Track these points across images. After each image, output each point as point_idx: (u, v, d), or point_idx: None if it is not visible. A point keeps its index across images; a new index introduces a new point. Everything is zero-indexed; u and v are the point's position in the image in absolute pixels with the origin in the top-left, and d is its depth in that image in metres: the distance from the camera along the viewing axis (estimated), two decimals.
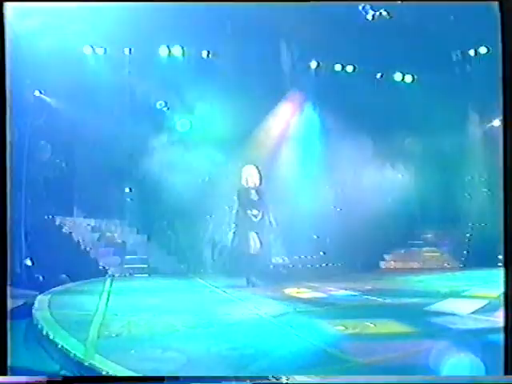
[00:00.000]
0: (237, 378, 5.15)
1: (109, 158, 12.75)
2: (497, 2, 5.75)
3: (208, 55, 13.54)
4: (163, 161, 12.70)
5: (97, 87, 12.69)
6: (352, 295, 10.07)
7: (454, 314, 8.09)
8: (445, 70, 13.90)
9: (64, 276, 10.95)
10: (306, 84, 13.97)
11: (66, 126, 12.62)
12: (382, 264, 13.58)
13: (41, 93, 12.71)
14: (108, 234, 13.15)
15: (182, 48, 13.37)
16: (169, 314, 7.96)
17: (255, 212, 11.65)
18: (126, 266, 12.71)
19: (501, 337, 6.09)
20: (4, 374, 5.17)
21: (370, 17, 12.58)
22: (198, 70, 13.24)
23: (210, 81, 12.97)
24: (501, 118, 13.07)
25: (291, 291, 10.37)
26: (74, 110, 12.64)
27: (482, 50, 13.92)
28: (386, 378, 5.34)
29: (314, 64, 14.19)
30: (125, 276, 12.48)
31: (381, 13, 12.67)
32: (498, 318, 7.00)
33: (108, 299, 9.18)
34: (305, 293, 10.33)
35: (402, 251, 13.89)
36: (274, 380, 5.14)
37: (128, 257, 12.88)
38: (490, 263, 12.38)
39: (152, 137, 12.94)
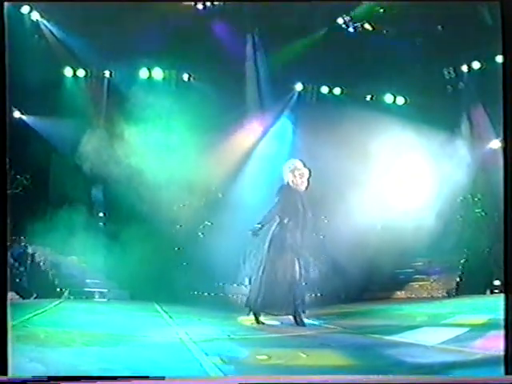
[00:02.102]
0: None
1: (81, 181, 11.52)
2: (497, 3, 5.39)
3: (189, 78, 12.05)
4: (136, 185, 11.26)
5: (76, 108, 11.75)
6: (310, 324, 8.38)
7: (418, 345, 6.54)
8: (437, 88, 12.31)
9: (13, 293, 9.60)
10: (291, 107, 12.28)
11: (41, 146, 11.52)
12: (367, 294, 11.36)
13: (21, 113, 11.66)
14: (72, 256, 11.61)
15: (163, 71, 12.07)
16: (81, 330, 7.01)
17: (296, 224, 8.12)
18: (85, 289, 11.29)
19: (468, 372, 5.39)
20: (4, 373, 4.94)
21: (351, 29, 10.78)
22: (178, 93, 12.00)
23: (190, 103, 11.61)
24: (500, 138, 11.49)
25: (244, 319, 8.66)
26: (51, 130, 11.57)
27: (475, 65, 12.14)
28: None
29: (299, 86, 12.14)
30: (80, 299, 11.02)
31: (362, 25, 10.90)
32: (473, 349, 6.09)
33: (36, 314, 8.12)
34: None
35: (390, 280, 11.62)
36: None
37: (89, 280, 11.44)
38: (484, 290, 11.22)
39: (127, 159, 11.44)
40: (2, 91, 5.10)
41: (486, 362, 5.74)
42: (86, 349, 6.07)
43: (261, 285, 8.19)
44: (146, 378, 4.77)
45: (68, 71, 12.08)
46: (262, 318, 8.30)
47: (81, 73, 12.11)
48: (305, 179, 8.30)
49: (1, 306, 5.14)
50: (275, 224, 8.20)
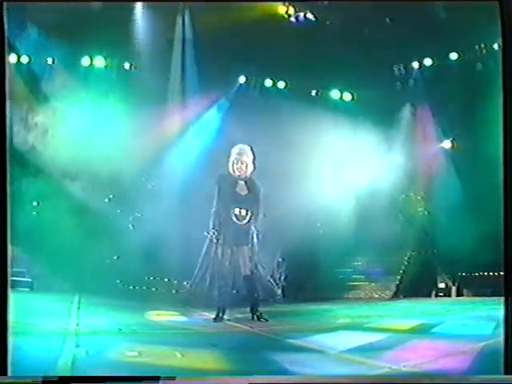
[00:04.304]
0: None
1: (16, 169, 9.76)
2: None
3: (131, 67, 10.81)
4: (69, 175, 10.05)
5: (17, 95, 9.95)
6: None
7: (318, 352, 5.43)
8: (386, 85, 10.83)
9: None
10: (228, 97, 10.79)
11: None
12: (302, 294, 9.99)
13: None
14: None
15: (105, 59, 10.73)
16: None
17: (241, 212, 7.20)
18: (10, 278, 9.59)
19: None
20: (4, 373, 4.56)
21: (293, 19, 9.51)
22: (118, 81, 10.61)
23: (129, 92, 10.31)
24: (451, 139, 10.34)
25: (152, 313, 7.80)
26: None
27: (427, 61, 10.86)
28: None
29: (242, 79, 10.90)
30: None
31: (305, 15, 9.60)
32: (378, 361, 4.94)
33: None
34: (166, 315, 7.82)
35: (328, 280, 10.24)
36: None
37: (15, 269, 9.62)
38: (428, 293, 10.29)
39: (62, 148, 10.02)
40: (2, 91, 4.64)
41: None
42: None
43: (212, 281, 7.24)
44: (158, 378, 4.37)
45: (12, 57, 10.76)
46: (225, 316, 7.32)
47: (24, 59, 10.82)
48: (244, 165, 7.32)
49: (1, 304, 4.88)
50: (219, 216, 7.26)
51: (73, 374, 4.51)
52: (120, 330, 6.22)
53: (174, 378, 4.35)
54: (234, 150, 7.37)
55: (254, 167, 7.38)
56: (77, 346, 5.22)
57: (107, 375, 4.40)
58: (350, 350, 5.37)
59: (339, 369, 4.75)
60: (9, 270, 5.14)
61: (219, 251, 7.16)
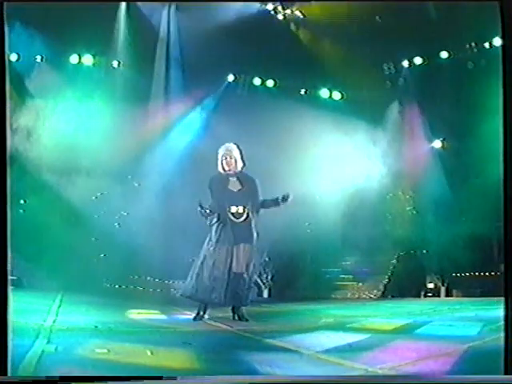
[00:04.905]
0: None
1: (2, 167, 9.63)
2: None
3: (119, 65, 10.78)
4: (55, 173, 9.99)
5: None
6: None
7: (294, 352, 5.09)
8: (376, 84, 10.85)
9: None
10: (216, 96, 10.79)
11: None
12: (289, 293, 9.81)
13: None
14: None
15: (93, 57, 10.72)
16: None
17: (238, 210, 6.81)
18: None
19: None
20: (4, 373, 4.26)
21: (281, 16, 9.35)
22: (107, 79, 10.64)
23: (116, 90, 10.41)
24: (442, 138, 10.15)
25: (134, 311, 7.56)
26: None
27: (417, 60, 10.77)
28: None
29: (230, 77, 10.75)
30: None
31: (292, 11, 9.44)
32: (354, 363, 4.60)
33: None
34: (147, 314, 7.55)
35: (315, 279, 10.09)
36: None
37: None
38: (417, 293, 10.17)
39: (49, 146, 10.01)
40: (2, 92, 4.43)
41: None
42: None
43: (207, 278, 6.85)
44: (160, 378, 4.18)
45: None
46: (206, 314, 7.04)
47: (13, 57, 10.65)
48: (233, 160, 7.02)
49: (1, 304, 4.59)
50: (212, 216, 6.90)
51: (38, 370, 4.27)
52: (96, 327, 5.99)
53: (175, 378, 4.16)
54: (222, 149, 7.11)
55: (244, 163, 7.10)
56: (48, 343, 5.00)
57: (108, 375, 4.18)
58: (327, 351, 5.06)
59: (312, 370, 4.45)
60: (9, 269, 4.71)
61: (216, 251, 6.79)
